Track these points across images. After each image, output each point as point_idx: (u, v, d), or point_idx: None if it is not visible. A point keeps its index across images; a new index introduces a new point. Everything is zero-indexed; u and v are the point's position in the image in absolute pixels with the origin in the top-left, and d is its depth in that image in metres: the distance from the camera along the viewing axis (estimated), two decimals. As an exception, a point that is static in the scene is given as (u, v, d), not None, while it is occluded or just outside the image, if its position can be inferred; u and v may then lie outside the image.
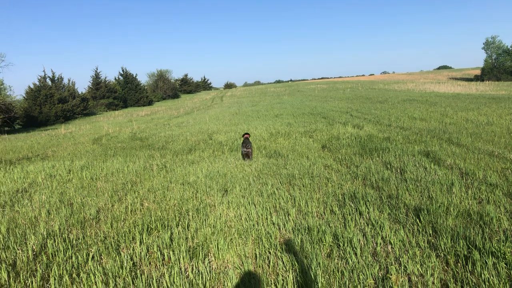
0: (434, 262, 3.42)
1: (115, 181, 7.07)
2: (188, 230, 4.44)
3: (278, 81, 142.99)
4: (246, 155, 8.84)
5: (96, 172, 7.95)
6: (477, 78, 69.81)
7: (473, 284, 3.10)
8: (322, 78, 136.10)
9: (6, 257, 3.95)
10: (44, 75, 42.78)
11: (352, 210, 4.76)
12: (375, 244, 3.84)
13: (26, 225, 4.88)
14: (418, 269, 3.32)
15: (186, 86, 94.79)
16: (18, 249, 4.11)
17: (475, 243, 3.63)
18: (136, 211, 5.24)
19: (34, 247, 4.16)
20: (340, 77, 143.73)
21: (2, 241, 4.36)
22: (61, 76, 45.49)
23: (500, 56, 70.79)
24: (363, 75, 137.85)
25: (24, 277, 3.56)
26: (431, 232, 4.00)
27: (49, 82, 43.02)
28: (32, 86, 40.25)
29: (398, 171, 6.53)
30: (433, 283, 3.14)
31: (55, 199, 6.03)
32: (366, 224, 4.32)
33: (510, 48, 69.62)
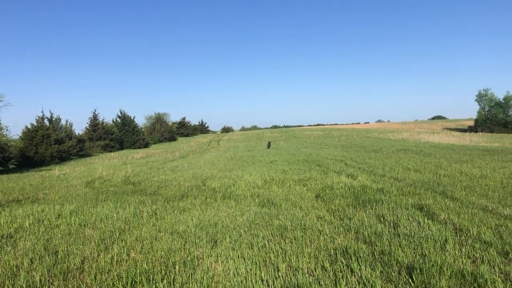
0: (427, 327, 3.28)
1: (104, 228, 6.92)
2: (173, 285, 4.29)
3: (275, 127, 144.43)
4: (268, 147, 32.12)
5: (85, 218, 7.80)
6: (471, 129, 70.98)
7: None
8: (318, 125, 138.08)
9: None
10: (42, 115, 43.25)
11: (343, 267, 4.64)
12: (366, 306, 3.70)
13: (6, 275, 4.71)
14: (410, 335, 3.18)
15: (184, 129, 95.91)
16: (-5, 303, 3.94)
17: (469, 307, 3.51)
18: (122, 262, 5.09)
19: (11, 300, 3.99)
20: (336, 124, 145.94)
21: (-21, 293, 4.19)
22: (59, 117, 46.12)
23: (493, 108, 72.28)
24: (358, 123, 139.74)
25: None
26: (424, 293, 3.88)
27: (47, 123, 43.37)
28: (29, 126, 40.52)
29: (392, 225, 6.44)
30: None
31: (40, 247, 5.87)
32: (357, 283, 4.19)
33: (502, 101, 71.24)
